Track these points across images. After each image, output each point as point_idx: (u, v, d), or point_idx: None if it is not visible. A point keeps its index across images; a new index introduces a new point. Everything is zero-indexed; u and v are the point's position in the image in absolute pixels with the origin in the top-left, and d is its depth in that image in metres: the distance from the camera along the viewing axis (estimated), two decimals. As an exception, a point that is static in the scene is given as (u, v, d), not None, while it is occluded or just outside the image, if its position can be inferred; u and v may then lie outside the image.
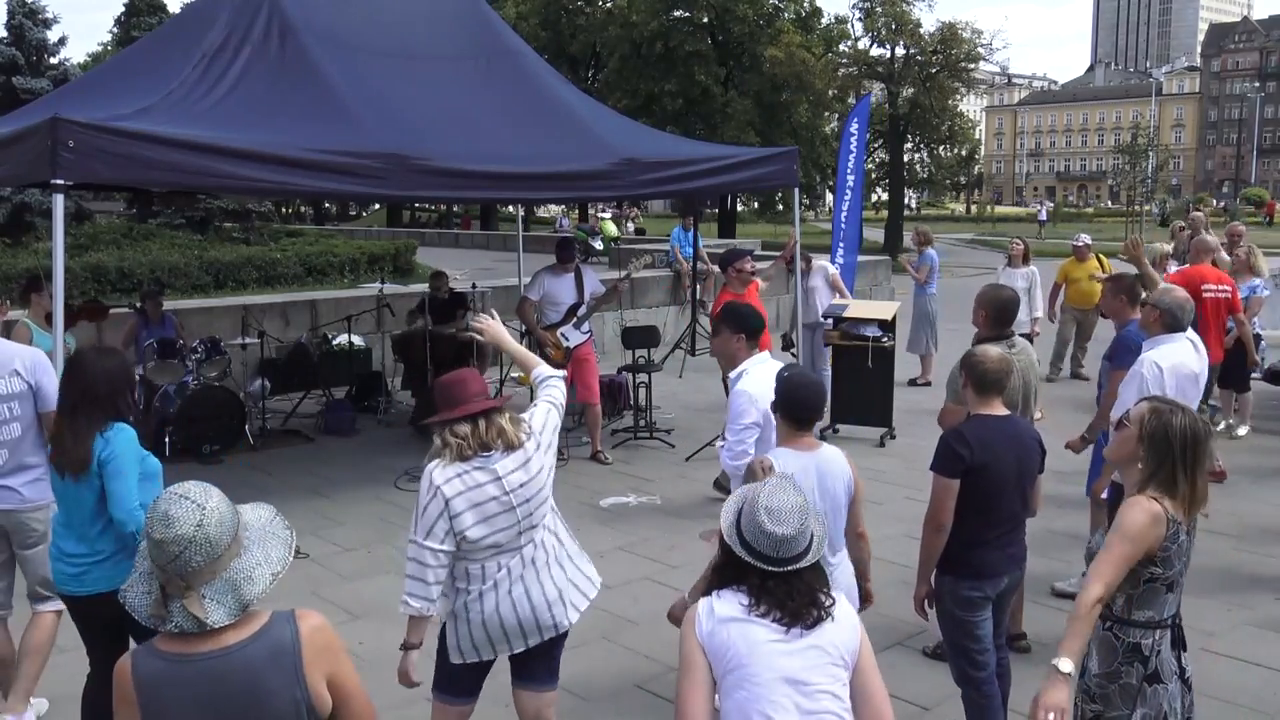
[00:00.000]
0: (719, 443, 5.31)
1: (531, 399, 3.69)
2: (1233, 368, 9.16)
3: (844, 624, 2.56)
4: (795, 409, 3.53)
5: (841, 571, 3.64)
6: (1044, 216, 53.09)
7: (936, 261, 12.05)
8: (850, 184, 11.99)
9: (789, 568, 2.50)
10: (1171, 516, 2.84)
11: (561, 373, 3.77)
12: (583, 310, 8.35)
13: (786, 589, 2.50)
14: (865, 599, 3.82)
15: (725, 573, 2.59)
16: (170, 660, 2.12)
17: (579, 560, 3.57)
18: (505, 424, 3.34)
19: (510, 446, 3.32)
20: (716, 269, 12.75)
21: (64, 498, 3.67)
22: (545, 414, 3.53)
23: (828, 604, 2.55)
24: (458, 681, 3.48)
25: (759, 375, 4.31)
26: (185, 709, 2.11)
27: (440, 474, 3.26)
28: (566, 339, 8.30)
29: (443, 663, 3.47)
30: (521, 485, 3.32)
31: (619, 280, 8.66)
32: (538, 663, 3.53)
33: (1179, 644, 2.96)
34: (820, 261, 10.45)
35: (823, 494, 3.50)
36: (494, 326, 3.85)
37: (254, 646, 2.13)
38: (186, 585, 2.10)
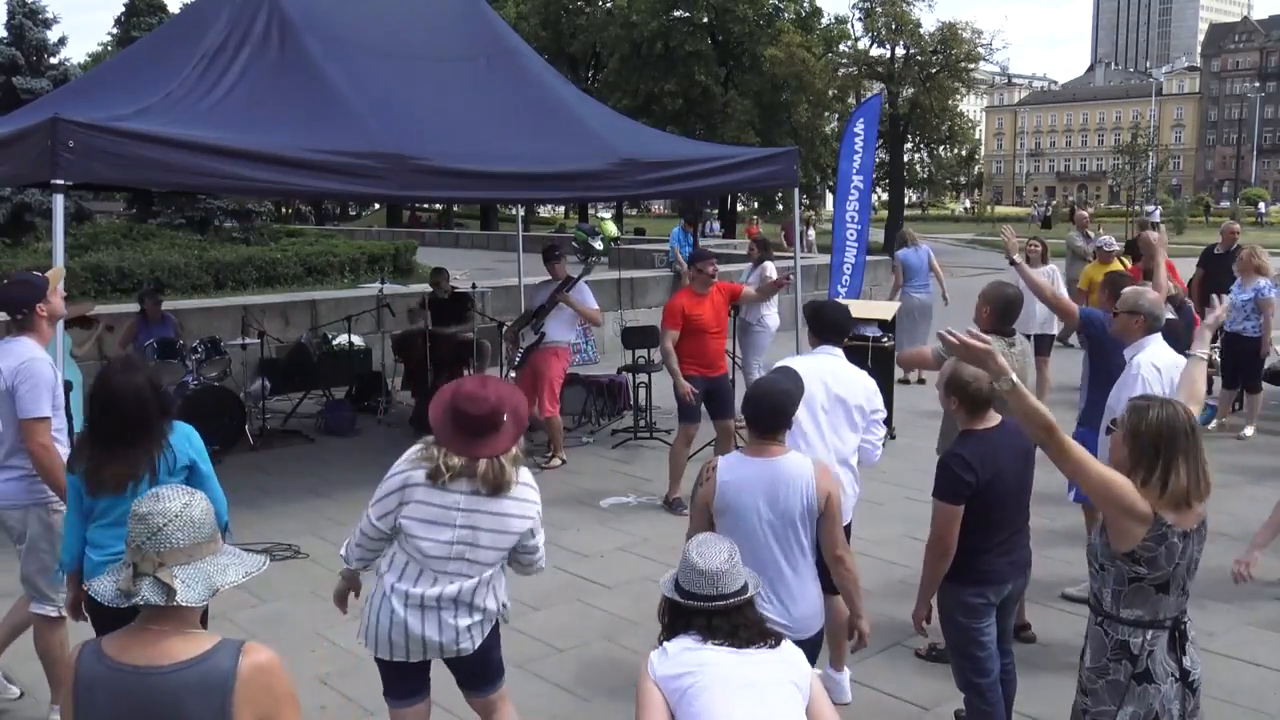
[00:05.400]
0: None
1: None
2: (1245, 366, 9.16)
3: (794, 653, 2.68)
4: (753, 416, 3.49)
5: (801, 588, 3.48)
6: (1156, 218, 46.66)
7: (913, 263, 12.04)
8: (859, 183, 11.97)
9: (729, 602, 2.61)
10: (1159, 518, 2.77)
11: (541, 555, 3.46)
12: (542, 312, 8.44)
13: (732, 624, 2.61)
14: (857, 636, 3.62)
15: (674, 626, 2.69)
16: (108, 665, 2.10)
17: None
18: (506, 463, 3.21)
19: (498, 489, 3.22)
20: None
21: (103, 509, 3.51)
22: (536, 530, 3.37)
23: (776, 636, 2.68)
24: (394, 683, 3.45)
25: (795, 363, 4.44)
26: (109, 717, 2.09)
27: (410, 460, 3.32)
28: (524, 339, 8.49)
29: (378, 664, 3.44)
30: (475, 513, 3.22)
31: (566, 289, 8.59)
32: (467, 677, 3.50)
33: (1178, 646, 2.88)
34: (771, 265, 10.35)
35: (771, 504, 3.40)
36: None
37: (187, 672, 2.07)
38: (160, 563, 2.08)
